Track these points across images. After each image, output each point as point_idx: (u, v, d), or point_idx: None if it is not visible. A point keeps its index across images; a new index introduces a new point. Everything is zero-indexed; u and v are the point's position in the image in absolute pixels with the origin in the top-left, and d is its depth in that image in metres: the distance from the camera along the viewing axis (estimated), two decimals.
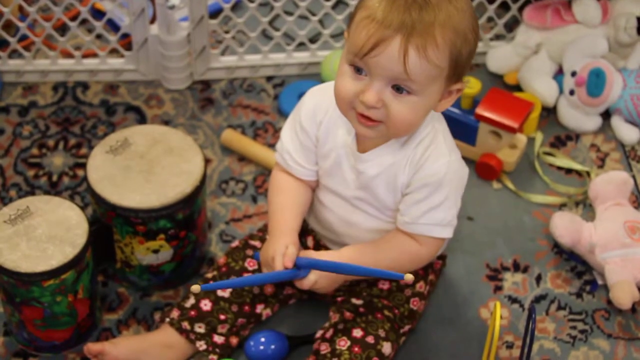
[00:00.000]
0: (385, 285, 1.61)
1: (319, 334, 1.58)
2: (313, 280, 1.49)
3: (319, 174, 1.57)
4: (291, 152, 1.56)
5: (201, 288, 1.39)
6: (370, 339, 1.53)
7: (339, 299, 1.63)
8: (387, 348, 1.55)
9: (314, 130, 1.54)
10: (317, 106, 1.53)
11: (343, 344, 1.53)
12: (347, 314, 1.57)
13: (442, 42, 1.37)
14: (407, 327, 1.61)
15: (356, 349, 1.52)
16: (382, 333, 1.55)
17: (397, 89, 1.39)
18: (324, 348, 1.54)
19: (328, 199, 1.58)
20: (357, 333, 1.54)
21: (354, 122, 1.45)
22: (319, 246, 1.65)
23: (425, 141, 1.48)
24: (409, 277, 1.35)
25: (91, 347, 1.55)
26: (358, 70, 1.40)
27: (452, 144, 1.52)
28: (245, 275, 1.62)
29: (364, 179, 1.52)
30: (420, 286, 1.63)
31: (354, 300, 1.60)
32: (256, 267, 1.63)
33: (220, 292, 1.61)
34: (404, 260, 1.53)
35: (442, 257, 1.68)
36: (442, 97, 1.45)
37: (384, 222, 1.56)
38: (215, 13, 2.11)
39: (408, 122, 1.42)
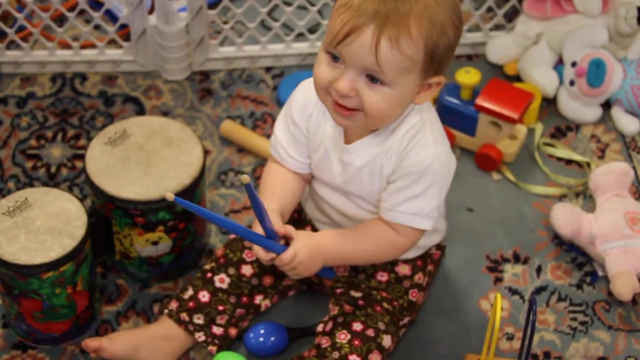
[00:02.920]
0: (383, 277, 1.61)
1: (319, 327, 1.58)
2: (292, 253, 1.45)
3: (311, 167, 1.57)
4: (284, 145, 1.55)
5: (175, 199, 1.34)
6: (370, 332, 1.53)
7: (338, 290, 1.62)
8: (387, 341, 1.54)
9: (304, 123, 1.53)
10: (307, 99, 1.52)
11: (343, 337, 1.52)
12: (347, 307, 1.57)
13: (417, 33, 1.35)
14: (406, 319, 1.60)
15: (356, 342, 1.52)
16: (381, 326, 1.54)
17: (372, 78, 1.38)
18: (325, 342, 1.53)
19: (323, 191, 1.58)
20: (357, 326, 1.53)
21: (331, 111, 1.45)
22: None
23: (411, 131, 1.47)
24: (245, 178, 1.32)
25: (89, 343, 1.55)
26: (334, 58, 1.40)
27: (441, 136, 1.50)
28: (244, 266, 1.62)
29: (351, 170, 1.51)
30: (419, 278, 1.62)
31: (353, 293, 1.59)
32: (254, 258, 1.63)
33: (218, 284, 1.60)
34: (383, 247, 1.52)
35: (440, 248, 1.68)
36: (420, 90, 1.44)
37: (377, 213, 1.55)
38: (213, 3, 2.10)
39: (382, 112, 1.41)
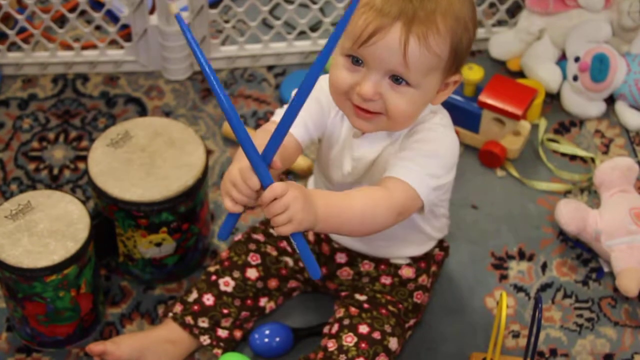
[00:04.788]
0: (387, 281, 1.60)
1: (325, 329, 1.57)
2: (285, 186, 1.27)
3: (321, 161, 1.55)
4: (303, 111, 1.40)
5: (176, 16, 1.21)
6: (376, 335, 1.52)
7: (343, 293, 1.62)
8: (393, 343, 1.53)
9: (330, 107, 1.48)
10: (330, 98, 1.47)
11: (350, 340, 1.52)
12: (352, 309, 1.56)
13: (444, 29, 1.34)
14: (412, 321, 1.60)
15: (363, 345, 1.51)
16: (388, 329, 1.53)
17: (395, 79, 1.36)
18: (331, 345, 1.52)
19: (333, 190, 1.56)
20: (364, 329, 1.53)
21: (350, 116, 1.41)
22: (319, 238, 1.63)
23: (421, 119, 1.45)
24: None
25: (93, 347, 1.54)
26: (354, 61, 1.37)
27: (449, 124, 1.47)
28: (249, 269, 1.61)
29: (362, 166, 1.48)
30: (423, 280, 1.61)
31: (358, 296, 1.59)
32: (259, 261, 1.62)
33: (223, 287, 1.60)
34: (377, 200, 1.38)
35: (444, 249, 1.67)
36: (439, 90, 1.42)
37: None
38: (215, 3, 2.09)
39: (405, 115, 1.39)
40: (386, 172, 1.43)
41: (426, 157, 1.41)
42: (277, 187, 1.26)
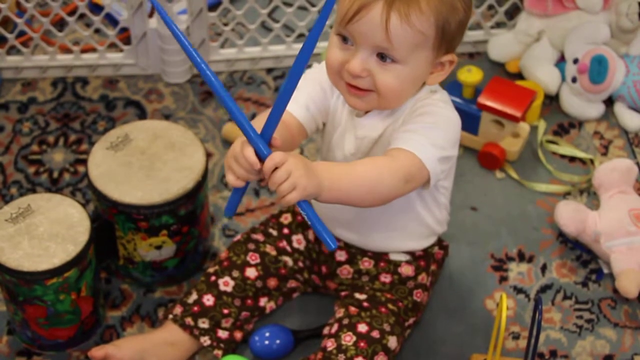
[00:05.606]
0: (387, 279, 1.60)
1: (325, 330, 1.57)
2: (285, 155, 1.28)
3: (324, 150, 1.56)
4: (305, 90, 1.48)
5: (151, 1, 1.22)
6: (375, 334, 1.52)
7: (343, 293, 1.62)
8: (392, 342, 1.54)
9: (330, 91, 1.51)
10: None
11: (348, 339, 1.52)
12: (352, 309, 1.57)
13: (427, 7, 1.36)
14: (411, 320, 1.60)
15: (362, 344, 1.51)
16: (387, 327, 1.54)
17: (382, 57, 1.39)
18: (330, 344, 1.52)
19: None
20: (362, 328, 1.53)
21: (344, 94, 1.44)
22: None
23: (421, 98, 1.47)
24: None
25: (94, 352, 1.54)
26: (345, 40, 1.40)
27: (449, 101, 1.49)
28: (248, 269, 1.61)
29: (366, 145, 1.50)
30: (422, 278, 1.62)
31: (357, 295, 1.59)
32: (258, 260, 1.62)
33: (222, 287, 1.60)
34: (379, 166, 1.39)
35: (443, 247, 1.67)
36: (433, 69, 1.44)
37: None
38: (214, 5, 2.10)
39: (394, 91, 1.41)
40: (390, 145, 1.44)
41: (429, 128, 1.43)
42: (276, 155, 1.27)
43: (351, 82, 1.41)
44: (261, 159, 1.29)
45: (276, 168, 1.28)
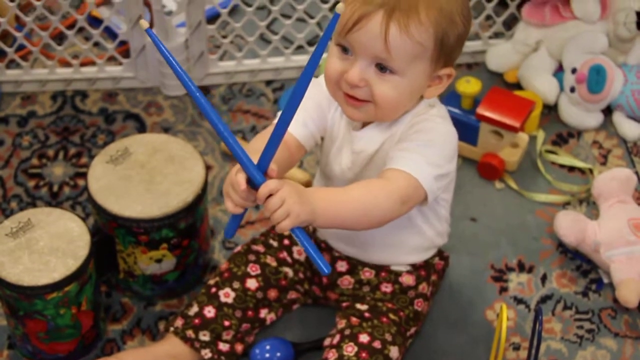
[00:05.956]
0: (388, 289, 1.61)
1: (326, 341, 1.57)
2: (280, 182, 1.30)
3: (323, 164, 1.56)
4: (304, 107, 1.44)
5: (147, 30, 1.26)
6: (377, 344, 1.52)
7: (344, 304, 1.62)
8: (394, 352, 1.54)
9: (330, 104, 1.52)
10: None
11: (350, 349, 1.52)
12: (353, 319, 1.57)
13: (426, 19, 1.37)
14: (413, 330, 1.60)
15: (364, 354, 1.51)
16: (388, 337, 1.54)
17: (381, 68, 1.39)
18: (331, 355, 1.52)
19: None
20: (364, 338, 1.53)
21: (342, 104, 1.45)
22: (319, 247, 1.64)
23: (419, 113, 1.47)
24: None
25: None
26: (344, 50, 1.41)
27: (447, 117, 1.49)
28: (249, 280, 1.61)
29: (362, 159, 1.50)
30: (423, 288, 1.62)
31: (359, 306, 1.59)
32: (259, 271, 1.62)
33: (223, 298, 1.60)
34: (374, 189, 1.40)
35: (444, 258, 1.67)
36: (431, 83, 1.44)
37: None
38: (212, 18, 2.10)
39: (392, 102, 1.42)
40: (386, 165, 1.44)
41: (425, 147, 1.44)
42: (271, 182, 1.29)
43: (349, 92, 1.42)
44: (257, 186, 1.30)
45: (270, 195, 1.29)
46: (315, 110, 1.51)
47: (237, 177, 1.31)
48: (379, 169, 1.47)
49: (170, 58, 1.28)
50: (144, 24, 1.24)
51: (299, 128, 1.49)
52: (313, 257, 1.32)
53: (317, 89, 1.50)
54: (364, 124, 1.50)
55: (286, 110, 1.28)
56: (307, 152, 1.53)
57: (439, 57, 1.41)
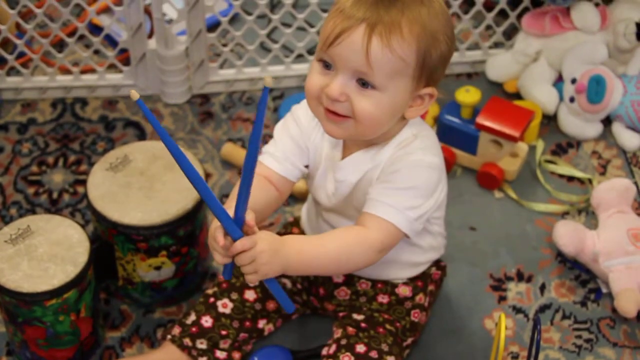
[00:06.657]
0: (384, 299, 1.60)
1: (323, 351, 1.57)
2: (253, 239, 1.33)
3: (310, 188, 1.56)
4: (282, 146, 1.51)
5: (138, 101, 1.27)
6: (373, 354, 1.52)
7: (341, 314, 1.62)
8: None
9: (308, 131, 1.52)
10: (310, 116, 1.51)
11: (347, 359, 1.52)
12: (350, 329, 1.57)
13: (409, 34, 1.36)
14: (409, 340, 1.60)
15: None
16: (385, 347, 1.54)
17: (362, 83, 1.38)
18: None
19: (323, 214, 1.57)
20: (361, 348, 1.53)
21: (322, 120, 1.44)
22: None
23: (402, 144, 1.47)
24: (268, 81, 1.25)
25: None
26: (326, 65, 1.40)
27: (432, 148, 1.48)
28: (247, 291, 1.61)
29: (345, 188, 1.50)
30: (420, 298, 1.62)
31: (355, 316, 1.59)
32: (257, 282, 1.62)
33: (221, 309, 1.60)
34: (351, 243, 1.43)
35: (441, 268, 1.67)
36: (412, 102, 1.43)
37: None
38: (213, 26, 2.10)
39: (372, 118, 1.40)
40: (365, 206, 1.45)
41: (404, 190, 1.44)
42: (244, 241, 1.33)
43: (330, 107, 1.40)
44: (234, 240, 1.34)
45: (243, 251, 1.34)
46: (294, 138, 1.52)
47: (215, 233, 1.35)
48: (362, 197, 1.48)
49: (162, 130, 1.30)
50: (135, 94, 1.26)
51: (281, 164, 1.50)
52: (278, 299, 1.40)
53: (297, 115, 1.52)
54: (346, 154, 1.49)
55: (245, 171, 1.30)
56: (295, 183, 1.54)
57: (421, 75, 1.40)
